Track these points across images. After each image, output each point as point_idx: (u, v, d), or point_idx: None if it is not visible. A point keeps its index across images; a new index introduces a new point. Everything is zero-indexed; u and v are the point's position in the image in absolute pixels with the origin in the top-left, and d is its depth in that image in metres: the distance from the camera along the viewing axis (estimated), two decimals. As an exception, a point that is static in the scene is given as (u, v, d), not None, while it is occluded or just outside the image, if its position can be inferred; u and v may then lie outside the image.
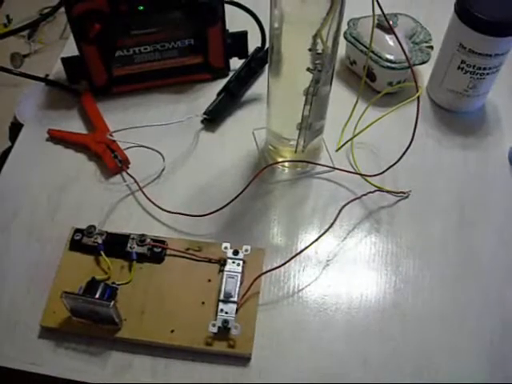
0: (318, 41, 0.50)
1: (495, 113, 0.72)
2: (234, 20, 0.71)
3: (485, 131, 0.71)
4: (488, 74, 0.66)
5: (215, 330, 0.52)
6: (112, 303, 0.50)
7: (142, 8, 0.65)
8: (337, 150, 0.66)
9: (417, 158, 0.66)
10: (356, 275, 0.59)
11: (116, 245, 0.57)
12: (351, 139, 0.65)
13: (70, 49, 0.71)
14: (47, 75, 0.76)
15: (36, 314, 0.54)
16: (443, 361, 0.53)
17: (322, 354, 0.54)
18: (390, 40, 0.69)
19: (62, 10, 0.64)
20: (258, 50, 0.75)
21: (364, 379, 0.52)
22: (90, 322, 0.53)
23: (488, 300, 0.57)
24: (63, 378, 0.52)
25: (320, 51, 0.51)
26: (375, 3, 0.52)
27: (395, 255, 0.60)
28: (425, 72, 0.74)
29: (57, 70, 0.76)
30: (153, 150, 0.68)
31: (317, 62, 0.52)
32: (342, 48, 0.74)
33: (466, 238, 0.61)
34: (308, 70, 0.52)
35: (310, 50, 0.51)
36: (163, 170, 0.66)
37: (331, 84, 0.57)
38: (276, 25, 0.51)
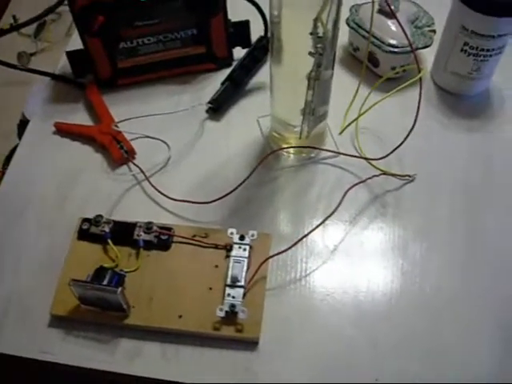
0: (319, 24, 0.50)
1: (500, 95, 0.72)
2: (236, 9, 0.71)
3: (490, 113, 0.70)
4: (491, 55, 0.65)
5: (222, 314, 0.52)
6: (119, 289, 0.50)
7: (144, -1, 0.65)
8: (340, 133, 0.66)
9: (422, 142, 0.66)
10: (363, 259, 0.59)
11: (123, 233, 0.58)
12: (355, 120, 0.65)
13: (75, 43, 0.71)
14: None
15: (46, 303, 0.55)
16: (453, 344, 0.53)
17: (330, 337, 0.54)
18: (392, 25, 0.69)
19: (67, 8, 0.65)
20: (260, 38, 0.75)
21: (373, 362, 0.52)
22: (98, 310, 0.53)
23: (497, 281, 0.57)
24: (73, 366, 0.52)
25: (321, 35, 0.51)
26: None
27: (402, 238, 0.60)
28: (429, 56, 0.74)
29: (62, 65, 0.76)
30: (158, 139, 0.68)
31: (318, 45, 0.52)
32: (345, 34, 0.74)
33: (473, 220, 0.61)
34: (310, 53, 0.52)
35: (311, 33, 0.51)
36: (169, 159, 0.66)
37: (333, 68, 0.57)
38: (275, 12, 0.51)
